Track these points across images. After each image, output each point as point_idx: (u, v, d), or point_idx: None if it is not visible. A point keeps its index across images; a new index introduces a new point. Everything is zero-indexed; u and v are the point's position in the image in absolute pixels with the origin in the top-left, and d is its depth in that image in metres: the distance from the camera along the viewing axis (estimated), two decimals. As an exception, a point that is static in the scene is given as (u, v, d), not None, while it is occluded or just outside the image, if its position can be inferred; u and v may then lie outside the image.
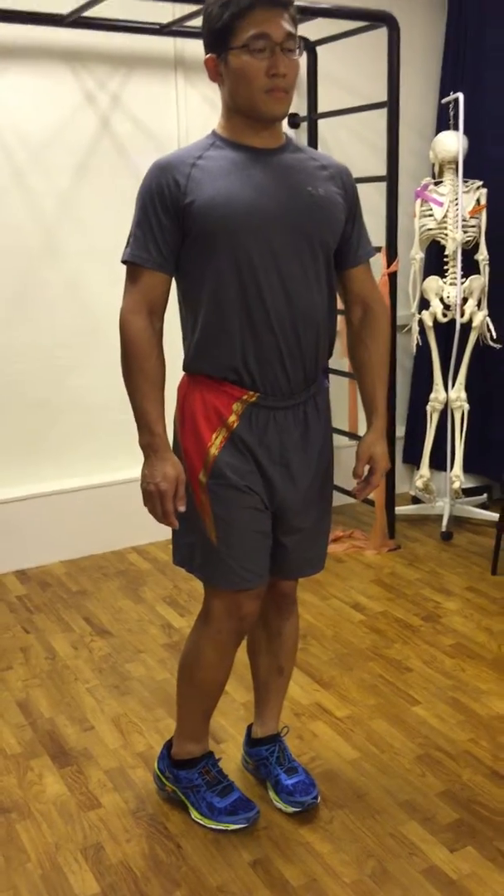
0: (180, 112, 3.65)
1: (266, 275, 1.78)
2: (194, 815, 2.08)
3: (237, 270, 1.77)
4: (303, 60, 3.78)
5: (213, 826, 2.04)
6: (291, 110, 3.83)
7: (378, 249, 3.58)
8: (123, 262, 1.84)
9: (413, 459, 4.26)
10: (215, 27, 1.76)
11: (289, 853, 1.98)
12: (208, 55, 1.80)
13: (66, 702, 2.61)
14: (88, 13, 3.16)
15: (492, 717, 2.49)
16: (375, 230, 3.60)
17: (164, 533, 3.73)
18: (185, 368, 1.90)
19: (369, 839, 2.02)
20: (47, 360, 3.58)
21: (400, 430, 4.28)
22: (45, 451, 3.66)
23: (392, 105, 3.43)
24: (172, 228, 1.79)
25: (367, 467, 1.98)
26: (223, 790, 2.08)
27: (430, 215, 3.77)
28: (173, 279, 1.86)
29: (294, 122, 3.87)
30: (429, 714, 2.51)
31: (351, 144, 3.99)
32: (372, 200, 3.69)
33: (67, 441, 3.69)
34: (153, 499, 1.82)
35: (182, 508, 1.83)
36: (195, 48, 3.58)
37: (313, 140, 3.87)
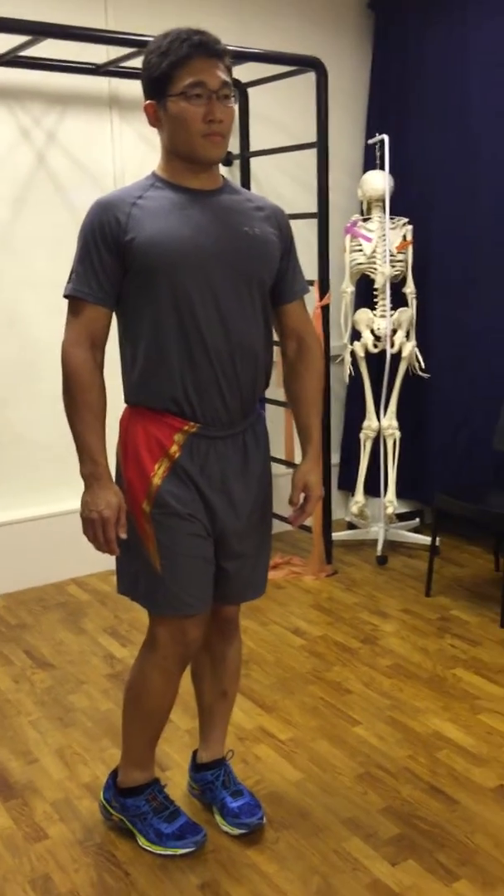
0: (115, 149, 3.73)
1: (205, 310, 1.85)
2: (142, 842, 2.09)
3: (177, 306, 1.84)
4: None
5: (161, 852, 2.06)
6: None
7: (311, 283, 3.70)
8: (66, 296, 1.89)
9: (348, 486, 4.36)
10: (154, 75, 1.83)
11: (236, 875, 2.01)
12: (148, 101, 1.88)
13: (8, 736, 2.60)
14: (24, 53, 3.21)
15: (429, 735, 2.57)
16: (307, 264, 3.72)
17: (104, 564, 3.77)
18: (126, 400, 1.95)
19: (314, 857, 2.07)
20: (-16, 392, 3.58)
21: (335, 458, 4.38)
22: (-17, 483, 3.64)
23: (321, 145, 3.57)
24: (113, 264, 1.85)
25: (302, 495, 2.05)
26: (170, 816, 2.10)
27: (360, 250, 3.91)
28: (113, 313, 1.92)
29: (227, 160, 3.98)
30: (368, 734, 2.58)
31: (282, 182, 4.11)
32: (304, 236, 3.80)
33: (5, 473, 3.69)
34: (95, 526, 1.86)
35: (123, 536, 1.88)
36: (129, 87, 3.67)
37: (246, 178, 3.99)
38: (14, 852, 2.10)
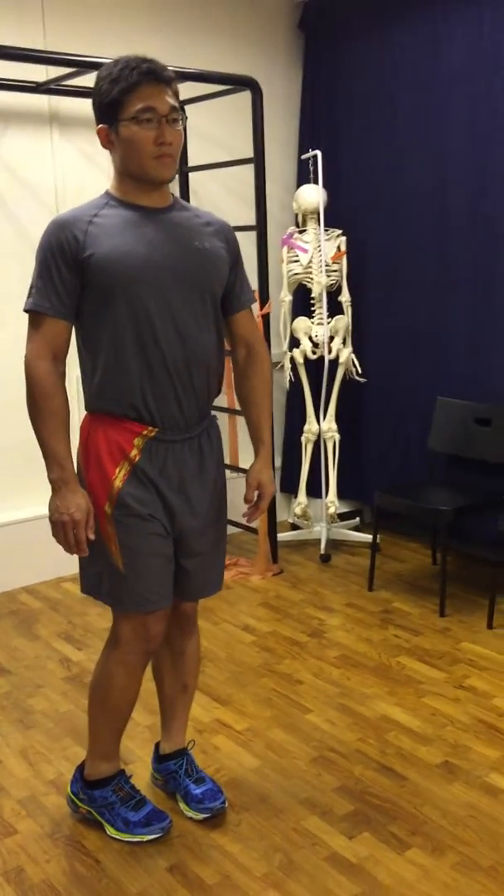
0: (56, 164, 3.80)
1: (161, 321, 1.96)
2: (110, 831, 2.18)
3: (134, 318, 1.94)
4: (172, 118, 4.02)
5: (129, 839, 2.15)
6: (163, 163, 4.08)
7: (252, 291, 3.84)
8: (26, 310, 1.98)
9: (290, 488, 4.51)
10: (105, 101, 1.94)
11: (202, 856, 2.12)
12: (100, 125, 1.98)
13: (-29, 739, 2.66)
14: (-34, 71, 3.28)
15: (377, 718, 2.72)
16: (248, 275, 3.87)
17: (54, 571, 3.84)
18: (86, 407, 2.05)
19: (275, 836, 2.19)
20: None
21: (277, 461, 4.53)
22: None
23: (258, 161, 3.71)
24: (72, 280, 1.94)
25: (256, 493, 2.18)
26: (136, 804, 2.20)
27: (297, 261, 4.06)
28: (73, 326, 2.01)
29: (165, 174, 4.09)
30: (320, 720, 2.71)
31: (221, 196, 4.25)
32: (243, 247, 3.93)
33: (-46, 485, 3.72)
34: (66, 529, 1.95)
35: (92, 537, 1.97)
36: (69, 105, 3.76)
37: (185, 191, 4.11)
38: (-15, 848, 2.17)
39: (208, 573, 2.20)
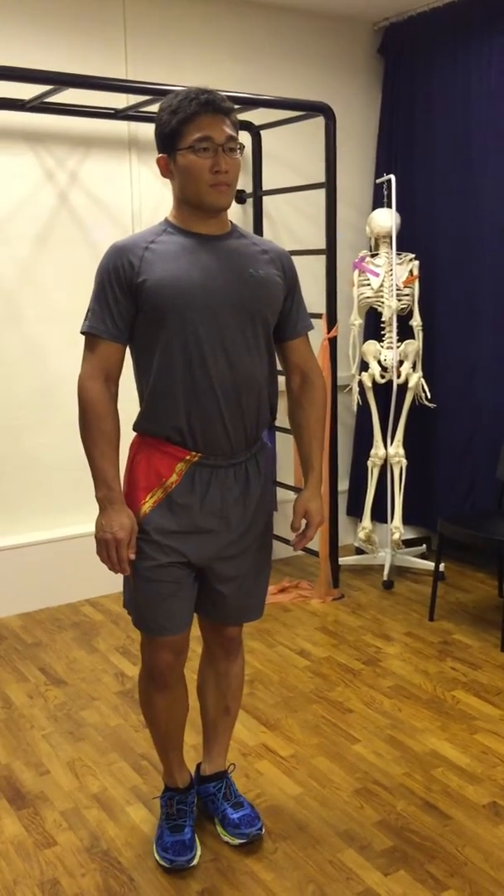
0: (133, 188, 3.90)
1: (211, 346, 1.99)
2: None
3: (184, 342, 1.98)
4: (248, 142, 4.08)
5: (154, 854, 2.19)
6: (238, 187, 4.14)
7: (318, 316, 3.85)
8: (82, 332, 2.04)
9: (356, 512, 4.47)
10: (165, 131, 1.99)
11: (235, 882, 2.11)
12: (160, 155, 2.03)
13: (22, 748, 2.72)
14: (50, 98, 3.40)
15: (425, 753, 2.66)
16: (317, 297, 3.89)
17: (117, 585, 3.88)
18: (134, 428, 2.09)
19: (310, 867, 2.17)
20: (5, 419, 3.73)
21: (343, 485, 4.50)
22: (1, 506, 3.79)
23: (330, 186, 3.72)
24: (126, 304, 1.99)
25: (303, 521, 2.17)
26: (174, 827, 2.21)
27: (368, 284, 4.05)
28: (127, 348, 2.06)
29: (241, 198, 4.15)
30: (367, 751, 2.68)
31: (293, 219, 4.27)
32: (313, 270, 3.97)
33: (23, 497, 3.83)
34: (109, 547, 1.99)
35: (132, 557, 2.01)
36: (147, 131, 3.84)
37: (258, 215, 4.15)
38: (25, 858, 2.21)
39: (248, 598, 2.20)
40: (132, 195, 3.90)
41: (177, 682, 2.18)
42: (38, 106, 3.46)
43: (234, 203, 4.14)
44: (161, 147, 2.03)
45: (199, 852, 2.19)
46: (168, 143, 1.99)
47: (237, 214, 4.15)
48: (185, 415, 2.00)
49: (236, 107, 3.62)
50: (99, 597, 3.92)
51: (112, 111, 3.67)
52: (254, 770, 2.58)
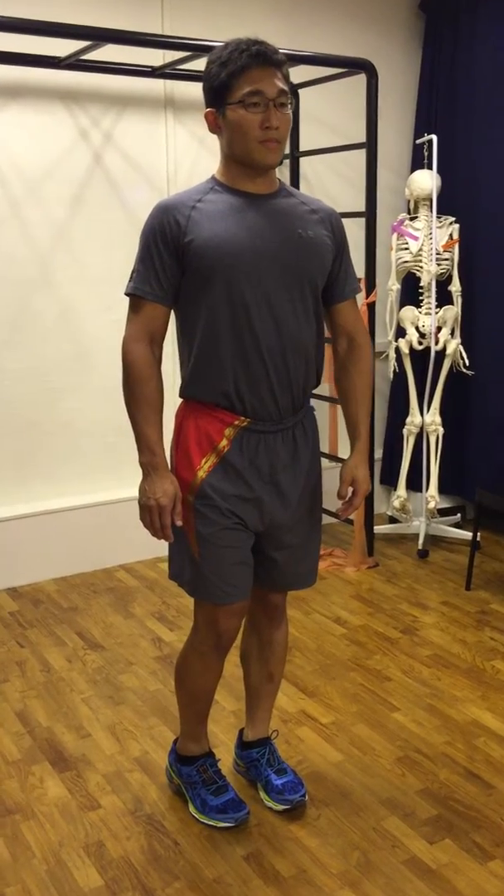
0: (169, 148, 3.83)
1: (258, 309, 1.94)
2: (191, 808, 2.21)
3: (230, 304, 1.93)
4: (286, 102, 3.98)
5: (205, 821, 2.17)
6: (274, 148, 4.05)
7: (357, 281, 3.78)
8: (127, 293, 2.00)
9: (390, 481, 4.43)
10: (214, 84, 1.93)
11: (279, 847, 2.11)
12: (208, 109, 1.97)
13: (62, 711, 2.73)
14: (85, 56, 3.33)
15: (467, 722, 2.65)
16: (355, 262, 3.81)
17: (151, 551, 3.90)
18: (180, 394, 2.05)
19: (354, 834, 2.16)
20: (39, 383, 3.71)
21: (378, 453, 4.46)
22: (37, 471, 3.78)
23: (370, 146, 3.63)
24: (172, 264, 1.95)
25: (350, 489, 2.14)
26: (217, 790, 2.21)
27: (406, 249, 3.97)
28: (172, 310, 2.02)
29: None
30: (407, 720, 2.66)
31: (332, 181, 4.19)
32: (351, 234, 3.87)
33: (58, 462, 3.82)
34: (152, 513, 1.97)
35: (179, 523, 1.98)
36: (184, 89, 3.77)
37: (295, 177, 4.07)
38: (69, 820, 2.22)
39: (299, 566, 2.17)
40: (167, 156, 3.83)
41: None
42: (73, 63, 3.39)
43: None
44: (209, 101, 1.96)
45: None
46: (217, 96, 1.93)
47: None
48: (233, 379, 1.96)
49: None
50: (133, 562, 3.92)
51: (148, 69, 3.59)
52: (294, 737, 2.58)
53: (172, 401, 2.07)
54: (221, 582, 2.03)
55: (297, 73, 3.85)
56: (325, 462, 4.02)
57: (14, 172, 3.54)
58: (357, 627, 3.31)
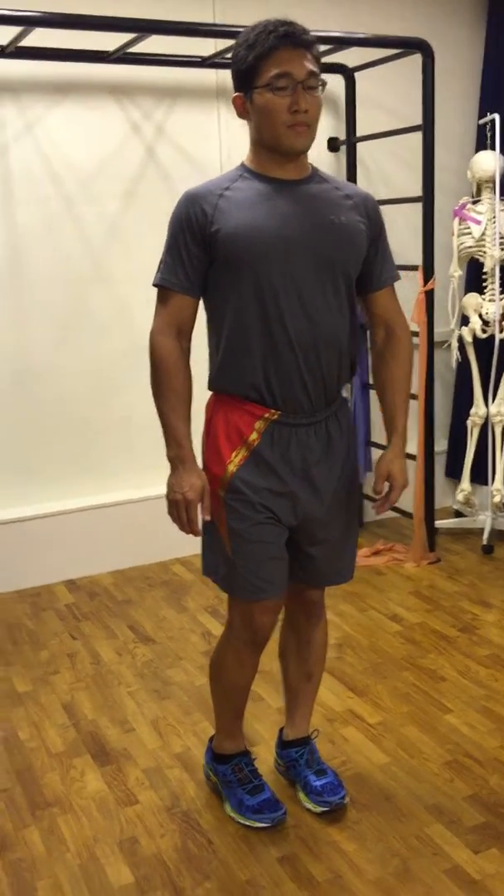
0: (222, 139, 3.79)
1: (287, 299, 1.88)
2: (227, 807, 2.17)
3: (259, 295, 1.87)
4: (341, 86, 3.89)
5: (241, 821, 2.13)
6: (331, 134, 3.97)
7: (414, 268, 3.67)
8: (154, 285, 1.97)
9: (456, 474, 4.29)
10: (241, 68, 1.87)
11: (316, 850, 2.05)
12: (236, 94, 1.92)
13: (108, 705, 2.73)
14: (132, 49, 3.32)
15: (522, 726, 2.53)
16: (414, 249, 3.71)
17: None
18: (209, 386, 2.01)
19: (394, 840, 2.08)
20: (92, 379, 3.73)
21: (441, 445, 4.33)
22: (93, 466, 3.80)
23: (427, 128, 3.51)
24: (199, 255, 1.90)
25: (386, 484, 2.05)
26: (253, 789, 2.16)
27: (469, 233, 3.83)
28: (201, 301, 1.97)
29: (334, 145, 3.98)
30: (460, 722, 2.56)
31: (390, 166, 4.07)
32: (410, 219, 3.78)
33: (114, 456, 3.83)
34: (179, 508, 1.93)
35: (207, 518, 1.94)
36: (236, 78, 3.72)
37: (352, 163, 3.97)
38: (106, 815, 2.21)
39: (336, 561, 2.11)
40: (220, 147, 3.79)
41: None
42: (122, 57, 3.38)
43: (326, 151, 4.00)
44: (237, 85, 1.91)
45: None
46: (244, 80, 1.88)
47: (330, 163, 3.98)
48: (263, 372, 1.91)
49: (328, 47, 3.48)
50: (190, 556, 3.90)
51: (198, 59, 3.56)
52: (339, 736, 2.51)
53: (202, 394, 2.03)
54: (255, 578, 1.98)
55: (352, 57, 3.77)
56: (381, 453, 3.93)
57: (67, 170, 3.56)
58: (413, 625, 3.21)
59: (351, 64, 3.81)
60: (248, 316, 1.89)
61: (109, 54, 3.37)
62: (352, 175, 3.95)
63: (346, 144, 3.96)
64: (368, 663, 2.93)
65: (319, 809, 2.16)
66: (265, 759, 2.38)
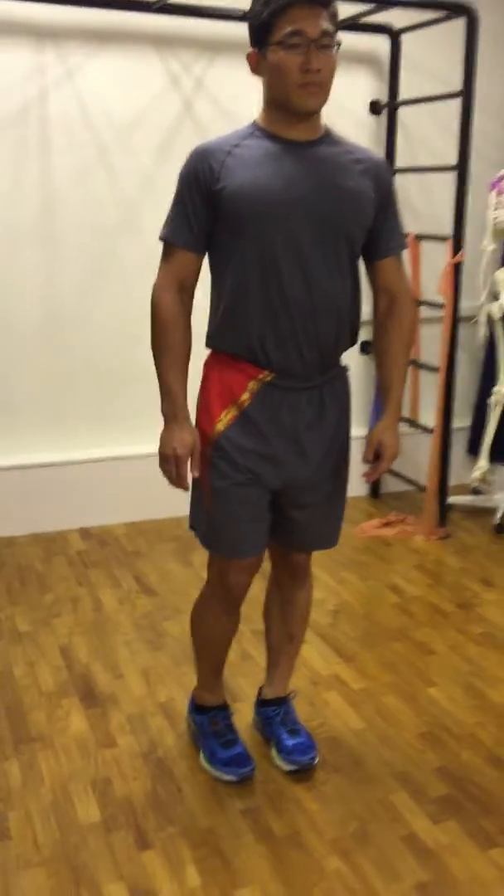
0: (261, 96, 3.74)
1: (287, 262, 1.88)
2: (201, 757, 2.24)
3: (259, 256, 1.88)
4: (386, 47, 3.81)
5: (211, 772, 2.20)
6: (374, 97, 3.90)
7: (444, 239, 3.61)
8: (160, 239, 1.98)
9: (478, 451, 4.25)
10: (256, 23, 1.86)
11: (279, 807, 2.11)
12: (250, 50, 1.90)
13: (103, 651, 2.81)
14: (175, 0, 3.29)
15: None
16: (445, 219, 3.64)
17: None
18: (206, 344, 2.02)
19: (357, 803, 2.13)
20: (119, 331, 3.76)
21: (464, 421, 4.30)
22: (114, 417, 3.86)
23: (467, 95, 3.43)
24: (205, 211, 1.91)
25: (375, 453, 2.06)
26: (226, 742, 2.22)
27: (505, 207, 3.75)
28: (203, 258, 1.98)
29: (376, 108, 3.91)
30: (442, 696, 2.59)
31: (432, 132, 3.99)
32: (448, 188, 3.71)
33: (135, 409, 3.87)
34: (169, 463, 1.97)
35: (196, 474, 1.98)
36: (280, 34, 3.66)
37: (392, 127, 3.90)
38: (84, 755, 2.29)
39: (320, 526, 2.13)
40: (259, 104, 3.74)
41: (242, 602, 2.16)
42: (164, 7, 3.35)
43: (368, 114, 3.93)
44: (252, 41, 1.90)
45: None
46: (258, 36, 1.87)
47: (370, 127, 3.92)
48: (258, 334, 1.92)
49: (371, 6, 3.40)
50: (202, 513, 3.95)
51: (241, 12, 3.50)
52: (320, 699, 2.55)
53: (204, 351, 2.05)
54: (232, 537, 2.02)
55: (397, 18, 3.69)
56: (404, 427, 3.93)
57: (103, 119, 3.56)
58: (412, 598, 3.23)
59: (397, 25, 3.73)
60: (247, 276, 1.90)
61: (153, 3, 3.34)
62: (391, 140, 3.89)
63: (388, 108, 3.89)
64: (361, 631, 2.96)
65: (288, 768, 2.22)
66: (246, 714, 2.44)
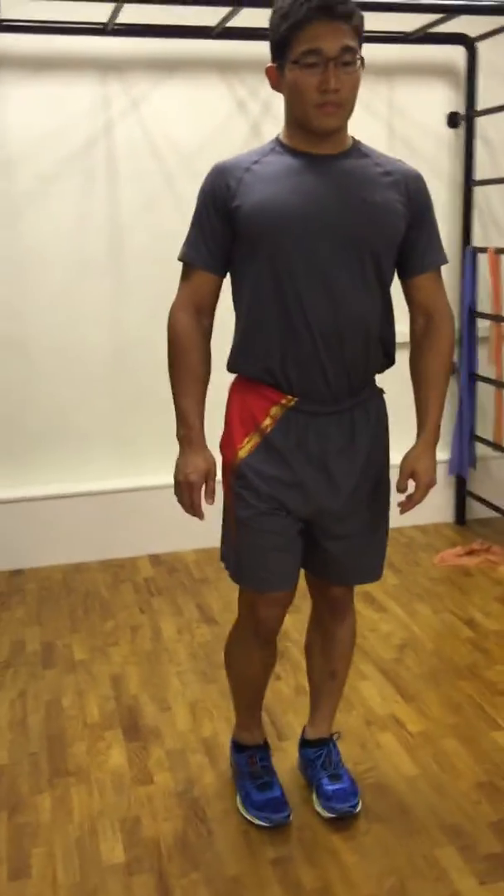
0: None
1: (308, 282, 1.78)
2: (237, 799, 2.13)
3: (276, 276, 1.79)
4: (462, 56, 3.67)
5: (244, 814, 2.08)
6: (451, 109, 3.76)
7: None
8: (178, 259, 1.93)
9: None
10: (275, 38, 1.78)
11: (313, 857, 1.98)
12: (270, 64, 1.83)
13: (154, 682, 2.75)
14: (236, 23, 3.27)
15: None
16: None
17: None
18: (227, 368, 1.95)
19: (399, 857, 1.97)
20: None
21: None
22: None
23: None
24: (222, 230, 1.84)
25: (410, 483, 1.92)
26: (262, 785, 2.11)
27: None
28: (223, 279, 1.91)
29: (454, 121, 3.77)
30: (507, 742, 2.39)
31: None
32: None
33: (207, 434, 3.83)
34: (182, 490, 1.90)
35: (210, 503, 1.89)
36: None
37: (470, 139, 3.73)
38: (118, 791, 2.22)
39: (358, 559, 2.00)
40: (329, 123, 3.67)
41: (276, 637, 2.06)
42: (224, 32, 3.33)
43: (446, 128, 3.79)
44: (272, 55, 1.83)
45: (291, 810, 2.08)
46: (278, 52, 1.79)
47: (449, 139, 3.78)
48: (279, 356, 1.83)
49: (440, 16, 3.28)
50: (275, 541, 3.86)
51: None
52: (373, 741, 2.40)
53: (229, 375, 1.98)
54: (259, 568, 1.92)
55: (473, 26, 3.54)
56: (487, 450, 3.73)
57: (169, 147, 3.57)
58: (488, 632, 3.02)
59: (474, 34, 3.58)
60: (264, 296, 1.81)
61: (212, 29, 3.33)
62: (469, 150, 3.73)
63: (466, 119, 3.73)
64: (427, 668, 2.79)
65: (327, 815, 2.08)
66: (292, 754, 2.31)
